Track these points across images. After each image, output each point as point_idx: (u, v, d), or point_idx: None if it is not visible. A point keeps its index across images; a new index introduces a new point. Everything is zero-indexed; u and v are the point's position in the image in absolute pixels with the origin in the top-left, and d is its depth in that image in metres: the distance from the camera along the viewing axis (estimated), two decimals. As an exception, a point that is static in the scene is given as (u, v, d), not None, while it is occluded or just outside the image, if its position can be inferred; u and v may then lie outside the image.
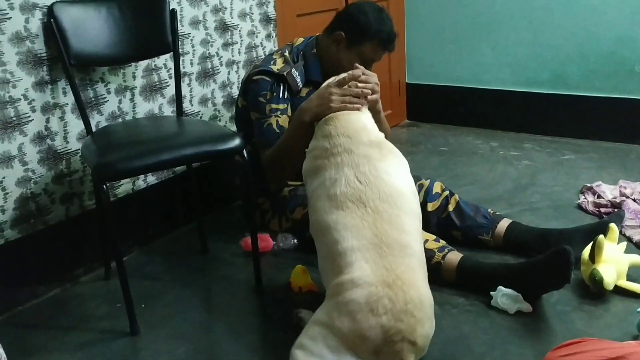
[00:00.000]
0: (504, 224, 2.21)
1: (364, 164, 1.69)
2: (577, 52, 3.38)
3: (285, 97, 2.26)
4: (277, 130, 2.21)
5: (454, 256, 2.00)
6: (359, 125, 1.82)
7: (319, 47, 2.34)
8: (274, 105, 2.24)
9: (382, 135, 1.85)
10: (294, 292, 2.04)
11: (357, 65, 2.04)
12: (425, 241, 1.97)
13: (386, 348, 1.47)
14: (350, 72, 1.98)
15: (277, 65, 2.28)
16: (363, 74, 1.97)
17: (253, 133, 2.29)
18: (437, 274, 1.97)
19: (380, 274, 1.51)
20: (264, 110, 2.24)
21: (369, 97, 1.95)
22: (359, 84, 1.94)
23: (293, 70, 2.28)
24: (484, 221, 2.21)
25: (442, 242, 2.05)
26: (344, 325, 1.48)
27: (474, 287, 1.96)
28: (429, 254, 1.92)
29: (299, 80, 2.29)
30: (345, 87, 1.93)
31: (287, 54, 2.33)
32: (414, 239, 1.64)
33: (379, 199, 1.63)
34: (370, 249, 1.55)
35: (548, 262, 1.83)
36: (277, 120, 2.23)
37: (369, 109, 1.97)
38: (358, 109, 1.89)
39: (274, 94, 2.24)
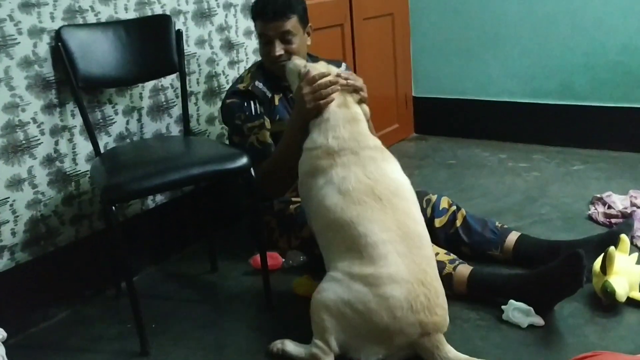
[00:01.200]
0: (512, 237, 2.19)
1: (369, 164, 1.79)
2: (584, 62, 3.37)
3: (259, 112, 2.29)
4: (260, 147, 2.25)
5: (465, 269, 2.00)
6: (367, 132, 1.89)
7: None
8: (249, 125, 2.27)
9: (379, 142, 1.90)
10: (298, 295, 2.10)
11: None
12: (436, 254, 1.97)
13: (422, 340, 1.60)
14: (317, 71, 1.97)
15: (244, 83, 2.32)
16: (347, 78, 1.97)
17: None
18: (448, 285, 1.95)
19: (413, 270, 1.60)
20: (243, 131, 2.27)
21: (350, 82, 1.95)
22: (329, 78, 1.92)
23: (256, 82, 2.31)
24: (492, 236, 2.20)
25: (453, 256, 2.05)
26: (382, 320, 1.57)
27: (485, 299, 1.95)
28: (439, 265, 1.92)
29: (265, 89, 2.32)
30: (315, 84, 1.92)
31: (254, 69, 2.38)
32: (424, 227, 1.75)
33: (390, 193, 1.73)
34: (398, 242, 1.64)
35: (560, 267, 1.83)
36: (256, 138, 2.26)
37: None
38: (331, 102, 1.89)
39: (247, 113, 2.27)
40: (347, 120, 1.87)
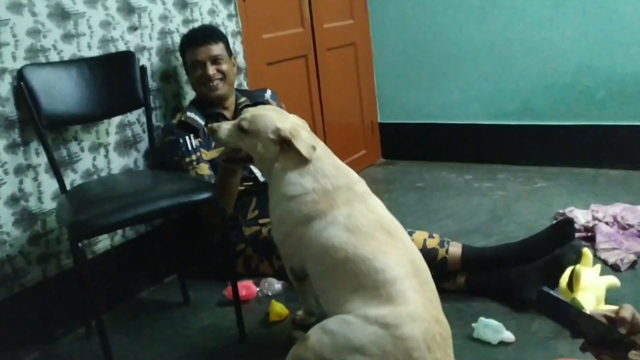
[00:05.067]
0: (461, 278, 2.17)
1: (367, 198, 1.76)
2: (541, 84, 3.48)
3: (194, 146, 2.40)
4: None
5: (455, 248, 2.11)
6: (343, 164, 1.85)
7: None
8: (187, 159, 2.38)
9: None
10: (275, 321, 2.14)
11: None
12: (424, 240, 2.11)
13: None
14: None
15: (177, 118, 2.48)
16: None
17: None
18: (443, 268, 2.08)
19: (428, 308, 1.54)
20: (182, 167, 2.38)
21: None
22: None
23: (187, 112, 2.47)
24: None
25: (437, 236, 2.15)
26: None
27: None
28: (432, 252, 2.07)
29: (197, 118, 2.46)
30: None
31: (186, 107, 2.56)
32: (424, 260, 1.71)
33: (394, 227, 1.71)
34: (412, 277, 1.58)
35: (551, 228, 2.07)
36: (195, 172, 2.36)
37: None
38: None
39: (183, 149, 2.38)
40: (326, 155, 1.81)
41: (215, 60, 2.45)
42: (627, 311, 1.04)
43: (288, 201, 1.76)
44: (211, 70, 2.44)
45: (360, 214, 1.69)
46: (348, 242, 1.64)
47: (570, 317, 1.05)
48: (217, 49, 2.47)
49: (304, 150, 1.74)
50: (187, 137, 2.39)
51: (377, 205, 1.77)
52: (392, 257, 1.61)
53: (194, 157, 2.37)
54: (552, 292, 1.09)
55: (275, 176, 1.80)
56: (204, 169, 2.37)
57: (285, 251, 1.87)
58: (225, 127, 1.90)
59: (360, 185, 1.80)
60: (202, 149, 2.41)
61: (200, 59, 2.44)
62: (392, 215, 1.78)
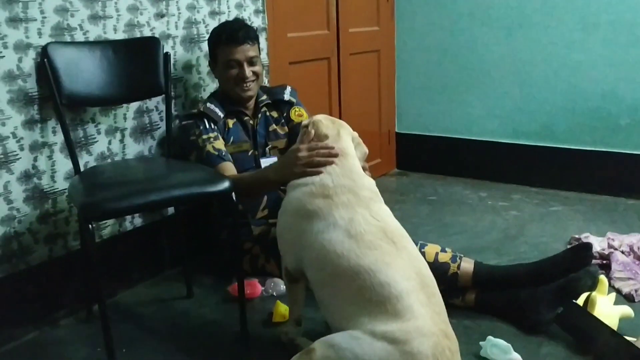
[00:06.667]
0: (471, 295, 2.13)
1: (372, 204, 1.71)
2: (564, 106, 3.44)
3: (212, 127, 2.38)
4: (215, 153, 2.32)
5: (467, 264, 2.08)
6: (360, 171, 1.82)
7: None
8: (204, 136, 2.35)
9: (373, 182, 1.85)
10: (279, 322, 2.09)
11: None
12: (435, 253, 2.06)
13: None
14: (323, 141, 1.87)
15: (197, 109, 2.44)
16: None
17: None
18: (454, 284, 2.06)
19: (436, 322, 1.50)
20: (198, 144, 2.34)
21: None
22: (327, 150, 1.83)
23: (208, 104, 2.43)
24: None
25: (449, 251, 2.10)
26: None
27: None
28: (444, 267, 2.04)
29: (217, 110, 2.42)
30: (314, 151, 1.84)
31: (206, 98, 2.51)
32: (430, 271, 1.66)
33: (398, 235, 1.66)
34: (418, 290, 1.54)
35: (566, 252, 2.04)
36: (212, 146, 2.33)
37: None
38: (318, 173, 1.78)
39: (200, 128, 2.36)
40: (345, 159, 1.79)
41: (251, 62, 2.41)
42: None
43: (292, 190, 1.81)
44: (248, 71, 2.39)
45: (363, 219, 1.65)
46: (350, 249, 1.59)
47: (594, 333, 1.02)
48: (254, 49, 2.43)
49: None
50: (205, 120, 2.38)
51: (381, 212, 1.72)
52: (396, 269, 1.56)
53: (211, 134, 2.35)
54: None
55: None
56: (221, 145, 2.35)
57: (282, 245, 1.85)
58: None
59: (367, 191, 1.75)
60: (219, 134, 2.39)
61: (238, 58, 2.38)
62: (398, 223, 1.73)
